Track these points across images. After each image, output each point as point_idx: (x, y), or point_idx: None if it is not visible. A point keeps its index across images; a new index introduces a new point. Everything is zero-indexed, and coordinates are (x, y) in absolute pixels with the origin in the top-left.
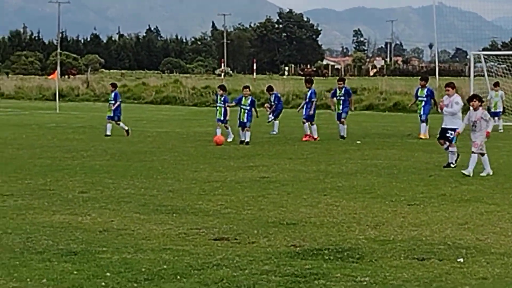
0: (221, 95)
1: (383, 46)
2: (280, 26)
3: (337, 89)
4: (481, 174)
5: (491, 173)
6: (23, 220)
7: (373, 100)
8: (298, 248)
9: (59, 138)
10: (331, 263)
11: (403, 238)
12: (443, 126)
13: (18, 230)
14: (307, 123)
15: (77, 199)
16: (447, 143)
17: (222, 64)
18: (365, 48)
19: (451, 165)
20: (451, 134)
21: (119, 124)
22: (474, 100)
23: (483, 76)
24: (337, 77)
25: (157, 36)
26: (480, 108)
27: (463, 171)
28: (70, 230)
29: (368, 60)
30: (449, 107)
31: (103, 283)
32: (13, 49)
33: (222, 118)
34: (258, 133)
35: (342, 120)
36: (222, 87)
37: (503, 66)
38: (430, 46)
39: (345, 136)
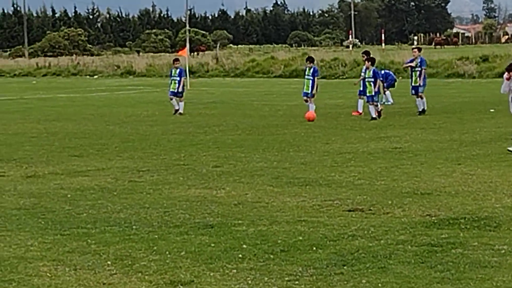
0: (310, 68)
1: None
2: None
3: (413, 59)
4: (509, 148)
5: None
6: (160, 195)
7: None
8: (433, 218)
9: (191, 114)
10: (468, 232)
11: None
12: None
13: (155, 205)
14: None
15: (211, 173)
16: None
17: (350, 36)
18: (496, 15)
19: None
20: None
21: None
22: None
23: None
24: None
25: (284, 9)
26: None
27: (509, 148)
28: (205, 204)
29: (499, 26)
30: None
31: (240, 255)
32: (143, 28)
33: (309, 92)
34: (389, 104)
35: (420, 94)
36: (310, 59)
37: None
38: None
39: (425, 109)
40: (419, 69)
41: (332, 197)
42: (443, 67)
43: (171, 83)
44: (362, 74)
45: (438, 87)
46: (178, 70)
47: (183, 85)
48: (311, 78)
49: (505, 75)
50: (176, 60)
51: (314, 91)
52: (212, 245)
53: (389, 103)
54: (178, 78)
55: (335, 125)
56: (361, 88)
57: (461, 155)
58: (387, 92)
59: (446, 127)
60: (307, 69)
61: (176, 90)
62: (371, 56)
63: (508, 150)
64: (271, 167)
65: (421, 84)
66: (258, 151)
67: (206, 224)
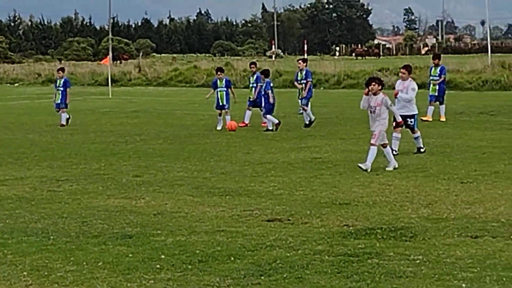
0: (221, 79)
1: (434, 24)
2: (331, 6)
3: (299, 72)
4: (387, 169)
5: (396, 166)
6: (78, 205)
7: (425, 78)
8: (351, 228)
9: (112, 123)
10: (384, 242)
11: (456, 216)
12: (400, 114)
13: (74, 215)
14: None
15: (131, 183)
16: (399, 131)
17: (273, 46)
18: (416, 27)
19: (421, 149)
20: (412, 121)
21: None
22: (373, 83)
23: None
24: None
25: (208, 19)
26: (381, 93)
27: (359, 165)
28: (124, 214)
29: (419, 38)
30: (404, 92)
31: (158, 266)
32: (65, 36)
33: (224, 104)
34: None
35: (303, 106)
36: (220, 69)
37: None
38: (482, 23)
39: (312, 121)
40: (304, 81)
41: (252, 207)
42: (363, 78)
43: (55, 94)
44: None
45: (359, 98)
46: (62, 80)
47: (66, 97)
48: (225, 89)
49: (364, 90)
50: (60, 70)
51: (229, 103)
52: (130, 255)
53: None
54: (62, 89)
55: (256, 135)
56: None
57: (380, 166)
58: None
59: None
60: (218, 80)
61: (59, 102)
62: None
63: (359, 167)
64: (191, 176)
65: (305, 96)
66: (179, 161)
67: (125, 234)
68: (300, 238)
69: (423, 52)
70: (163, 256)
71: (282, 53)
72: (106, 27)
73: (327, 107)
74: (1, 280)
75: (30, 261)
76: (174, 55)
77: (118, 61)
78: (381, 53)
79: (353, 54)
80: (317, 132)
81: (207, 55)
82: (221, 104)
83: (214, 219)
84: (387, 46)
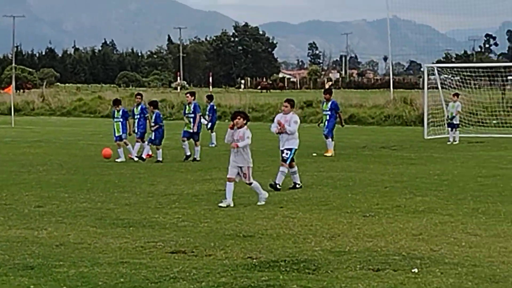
0: (118, 110)
1: (338, 59)
2: (236, 39)
3: (187, 106)
4: (259, 203)
5: (231, 204)
6: None
7: None
8: (254, 260)
9: (15, 153)
10: (287, 275)
11: (359, 249)
12: (281, 148)
13: None
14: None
15: (33, 213)
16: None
17: (178, 78)
18: (321, 61)
19: (297, 185)
20: (287, 153)
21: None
22: (239, 117)
23: (437, 88)
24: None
25: (113, 49)
26: (245, 127)
27: (220, 205)
28: (26, 245)
29: (323, 73)
30: (287, 125)
31: None
32: None
33: (120, 134)
34: (214, 146)
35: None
36: (117, 102)
37: (456, 78)
38: (385, 58)
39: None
40: (193, 115)
41: (155, 239)
42: (268, 111)
43: None
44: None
45: (263, 131)
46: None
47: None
48: (121, 120)
49: (230, 124)
50: None
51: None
52: (32, 287)
53: (213, 145)
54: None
55: (161, 166)
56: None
57: (283, 198)
58: (213, 134)
59: (269, 170)
60: (116, 112)
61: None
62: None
63: (220, 206)
64: (95, 207)
65: (196, 131)
66: (82, 192)
67: (26, 265)
68: (204, 270)
69: (327, 86)
70: None
71: (187, 85)
72: (10, 55)
73: None
74: None
75: None
76: (79, 85)
77: (21, 90)
78: (285, 87)
79: (258, 87)
80: (222, 164)
81: (112, 85)
82: (117, 135)
83: (117, 250)
84: (291, 80)
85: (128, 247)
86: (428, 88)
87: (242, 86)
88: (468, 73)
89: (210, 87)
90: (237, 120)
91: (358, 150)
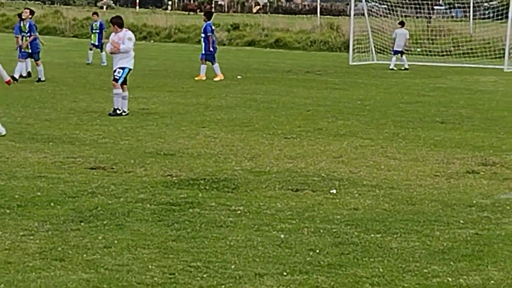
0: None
1: None
2: None
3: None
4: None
5: (3, 134)
6: None
7: (255, 36)
8: (174, 178)
9: None
10: (207, 193)
11: (279, 169)
12: (114, 67)
13: None
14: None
15: None
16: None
17: None
18: None
19: (117, 111)
20: (119, 72)
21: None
22: None
23: (364, 15)
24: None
25: None
26: None
27: None
28: None
29: None
30: (121, 43)
31: None
32: None
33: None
34: (139, 66)
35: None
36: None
37: (383, 6)
38: None
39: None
40: (28, 34)
41: (75, 155)
42: (194, 32)
43: None
44: None
45: (189, 52)
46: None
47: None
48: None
49: None
50: None
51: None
52: None
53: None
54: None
55: (83, 83)
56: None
57: (206, 119)
58: (103, 53)
59: (193, 91)
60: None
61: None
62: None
63: None
64: (14, 122)
65: (35, 50)
66: (2, 106)
67: None
68: (123, 187)
69: (254, 10)
70: None
71: (113, 4)
72: None
73: (157, 60)
74: None
75: None
76: (2, 1)
77: None
78: (213, 10)
79: (186, 9)
80: (145, 84)
81: (36, 2)
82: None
83: (35, 164)
84: (219, 3)
85: (46, 161)
86: (354, 15)
87: (169, 7)
88: (395, 2)
89: (137, 7)
90: None
91: (284, 74)
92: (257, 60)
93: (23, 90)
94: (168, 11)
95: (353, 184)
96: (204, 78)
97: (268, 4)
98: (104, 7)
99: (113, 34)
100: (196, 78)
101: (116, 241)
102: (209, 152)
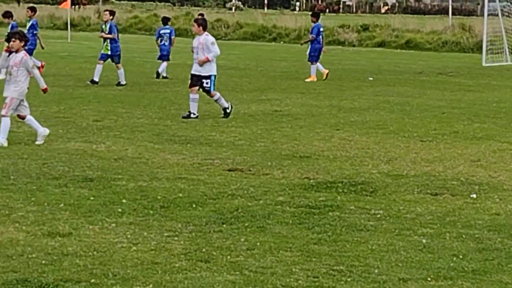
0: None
1: None
2: None
3: (103, 25)
4: (37, 142)
5: (47, 133)
6: (38, 147)
7: (385, 37)
8: (312, 181)
9: (71, 67)
10: (345, 196)
11: (416, 173)
12: (193, 72)
13: (34, 156)
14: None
15: (91, 127)
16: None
17: None
18: None
19: (192, 115)
20: (208, 83)
21: None
22: (13, 39)
23: (497, 15)
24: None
25: None
26: (22, 51)
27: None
28: (85, 157)
29: None
30: (206, 50)
31: (119, 209)
32: None
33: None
34: (270, 67)
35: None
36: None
37: None
38: None
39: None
40: (110, 34)
41: (213, 156)
42: (324, 33)
43: None
44: None
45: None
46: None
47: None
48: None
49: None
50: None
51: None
52: (92, 198)
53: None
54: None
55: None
56: None
57: (340, 121)
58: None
59: (325, 93)
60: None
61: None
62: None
63: None
64: (152, 123)
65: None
66: (139, 107)
67: (86, 178)
68: (262, 189)
69: (383, 11)
70: (124, 201)
71: (242, 6)
72: None
73: (287, 61)
74: None
75: None
76: (134, 2)
77: (77, 6)
78: (341, 10)
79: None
80: (277, 86)
81: (166, 4)
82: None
83: (175, 166)
84: (347, 3)
85: (185, 163)
86: (488, 15)
87: (297, 8)
88: None
89: (265, 8)
90: (12, 42)
91: (415, 76)
92: (387, 61)
93: (158, 92)
94: (296, 12)
95: (493, 189)
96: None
97: (396, 4)
98: (233, 8)
99: (196, 38)
100: (306, 80)
101: (258, 243)
102: (345, 155)
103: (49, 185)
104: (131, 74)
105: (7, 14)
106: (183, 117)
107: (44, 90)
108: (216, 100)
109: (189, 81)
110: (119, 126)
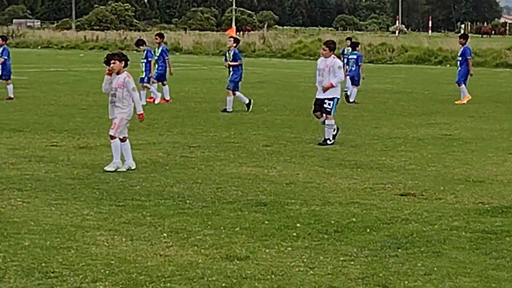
0: (144, 50)
1: None
2: None
3: (227, 52)
4: (107, 168)
5: (132, 167)
6: (211, 171)
7: None
8: (486, 205)
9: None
10: None
11: None
12: (318, 97)
13: (208, 180)
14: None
15: (261, 152)
16: (323, 116)
17: (397, 21)
18: None
19: (328, 141)
20: (329, 105)
21: None
22: (113, 61)
23: None
24: None
25: None
26: (125, 72)
27: (106, 168)
28: (257, 182)
29: None
30: (332, 73)
31: (294, 233)
32: (189, 5)
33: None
34: (438, 91)
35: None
36: (139, 42)
37: None
38: None
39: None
40: (233, 62)
41: (384, 181)
42: (491, 56)
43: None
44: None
45: (486, 76)
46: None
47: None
48: (144, 61)
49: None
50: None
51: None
52: (266, 222)
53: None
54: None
55: (383, 109)
56: None
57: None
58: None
59: (495, 116)
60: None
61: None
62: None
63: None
64: (321, 148)
65: (231, 79)
66: (307, 132)
67: (259, 202)
68: (436, 214)
69: None
70: (298, 225)
71: (405, 29)
72: None
73: (454, 85)
74: (142, 240)
75: (168, 224)
76: (297, 28)
77: (242, 32)
78: (507, 32)
79: (479, 32)
80: (445, 109)
81: (329, 29)
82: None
83: (346, 190)
84: None
85: (357, 187)
86: None
87: (462, 30)
88: None
89: (430, 31)
90: (112, 64)
91: None
92: None
93: None
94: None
95: None
96: (465, 101)
97: None
98: (396, 31)
99: (321, 59)
100: (456, 102)
101: (435, 268)
102: None
103: (224, 209)
104: (298, 99)
105: (140, 43)
106: (319, 144)
107: (140, 116)
108: (327, 125)
109: (313, 106)
110: (288, 151)
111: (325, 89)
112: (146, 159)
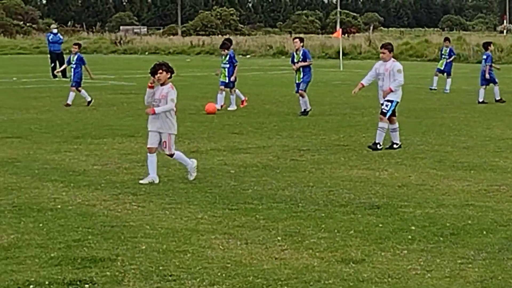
0: (226, 55)
1: None
2: None
3: (295, 53)
4: (142, 182)
5: (156, 181)
6: (322, 174)
7: None
8: None
9: (345, 95)
10: None
11: None
12: (382, 102)
13: (319, 184)
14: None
15: (372, 154)
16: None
17: (504, 21)
18: None
19: (378, 145)
20: (387, 105)
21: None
22: (160, 71)
23: None
24: None
25: None
26: (169, 83)
27: (141, 181)
28: (369, 185)
29: None
30: (392, 77)
31: (409, 236)
32: (293, 9)
33: (226, 81)
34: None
35: (301, 92)
36: (225, 45)
37: None
38: None
39: (306, 110)
40: (302, 63)
41: (498, 183)
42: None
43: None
44: None
45: None
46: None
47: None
48: (227, 66)
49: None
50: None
51: (232, 79)
52: (380, 225)
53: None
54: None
55: (494, 110)
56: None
57: None
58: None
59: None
60: (223, 57)
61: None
62: None
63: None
64: (432, 150)
65: (303, 79)
66: (417, 134)
67: (372, 205)
68: None
69: None
70: (413, 228)
71: None
72: (334, 0)
73: None
74: (256, 243)
75: (282, 227)
76: (402, 29)
77: (347, 35)
78: None
79: None
80: None
81: (435, 29)
82: (223, 80)
83: (460, 193)
84: None
85: (471, 190)
86: None
87: None
88: None
89: None
90: (158, 75)
91: None
92: None
93: (435, 118)
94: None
95: None
96: None
97: None
98: (504, 31)
99: (379, 62)
100: None
101: None
102: None
103: (337, 212)
104: (406, 101)
105: (225, 46)
106: (369, 147)
107: (151, 111)
108: (380, 128)
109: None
110: (400, 153)
111: (385, 95)
112: (256, 163)
